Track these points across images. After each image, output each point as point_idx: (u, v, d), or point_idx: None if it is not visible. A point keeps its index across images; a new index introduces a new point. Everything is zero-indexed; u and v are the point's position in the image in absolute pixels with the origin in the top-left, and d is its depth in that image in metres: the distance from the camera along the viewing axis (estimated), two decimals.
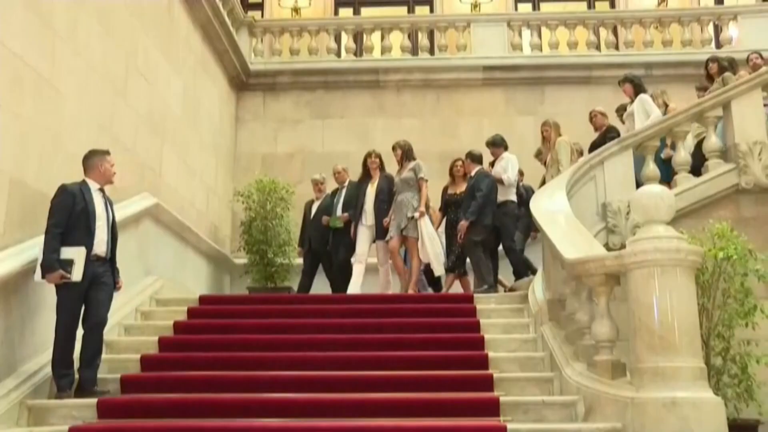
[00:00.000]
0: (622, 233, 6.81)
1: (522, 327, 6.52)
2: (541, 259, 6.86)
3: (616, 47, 11.94)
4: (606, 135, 8.31)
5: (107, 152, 5.75)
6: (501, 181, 8.11)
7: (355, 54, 12.13)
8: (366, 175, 8.48)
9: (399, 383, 5.40)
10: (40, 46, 5.77)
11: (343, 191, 8.92)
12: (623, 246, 5.25)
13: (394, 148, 8.32)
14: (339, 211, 8.76)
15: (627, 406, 4.43)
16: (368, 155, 8.48)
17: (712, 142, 7.28)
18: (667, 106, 8.33)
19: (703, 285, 5.46)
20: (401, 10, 13.68)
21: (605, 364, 4.83)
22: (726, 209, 6.89)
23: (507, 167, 8.23)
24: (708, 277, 5.52)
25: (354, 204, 8.49)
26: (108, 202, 5.65)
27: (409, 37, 12.14)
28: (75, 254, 5.21)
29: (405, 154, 8.25)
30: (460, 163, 8.51)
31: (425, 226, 7.89)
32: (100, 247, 5.45)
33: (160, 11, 8.59)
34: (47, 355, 5.30)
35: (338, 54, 12.16)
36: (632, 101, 8.24)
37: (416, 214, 7.86)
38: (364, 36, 12.23)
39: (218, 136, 10.75)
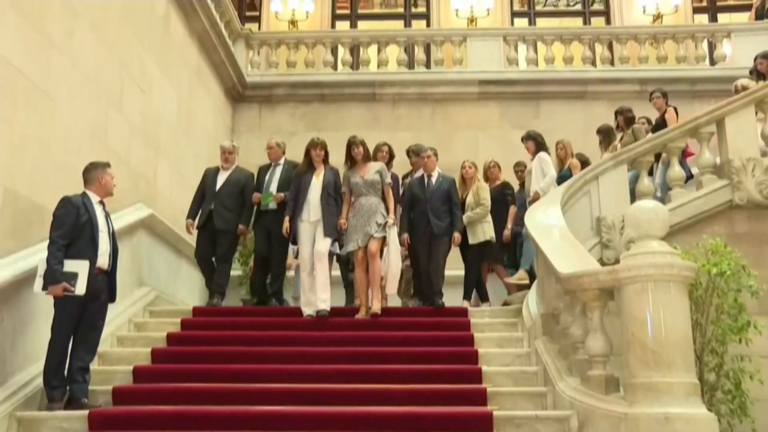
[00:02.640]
0: (617, 248, 6.81)
1: (516, 341, 6.50)
2: None
3: (612, 63, 12.00)
4: (503, 191, 8.55)
5: (108, 164, 5.73)
6: None
7: (352, 67, 12.17)
8: (309, 166, 7.53)
9: (392, 396, 5.38)
10: (35, 54, 5.77)
11: (278, 169, 8.00)
12: (617, 261, 5.26)
13: (356, 145, 7.43)
14: (273, 191, 7.82)
15: (620, 422, 4.42)
16: (313, 146, 7.49)
17: (706, 157, 7.32)
18: (567, 154, 8.49)
19: (696, 300, 5.47)
20: (398, 24, 13.77)
21: (599, 378, 4.83)
22: (720, 225, 6.91)
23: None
24: (701, 293, 5.53)
25: (290, 190, 7.59)
26: (107, 215, 5.63)
27: (405, 50, 12.18)
28: (79, 267, 5.18)
29: (367, 153, 7.49)
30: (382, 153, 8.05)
31: (393, 236, 7.31)
32: (103, 259, 5.43)
33: (156, 22, 8.61)
34: (38, 366, 5.26)
35: (335, 67, 12.19)
36: (533, 158, 8.39)
37: (389, 221, 7.28)
38: (361, 49, 12.29)
39: (213, 147, 10.70)
